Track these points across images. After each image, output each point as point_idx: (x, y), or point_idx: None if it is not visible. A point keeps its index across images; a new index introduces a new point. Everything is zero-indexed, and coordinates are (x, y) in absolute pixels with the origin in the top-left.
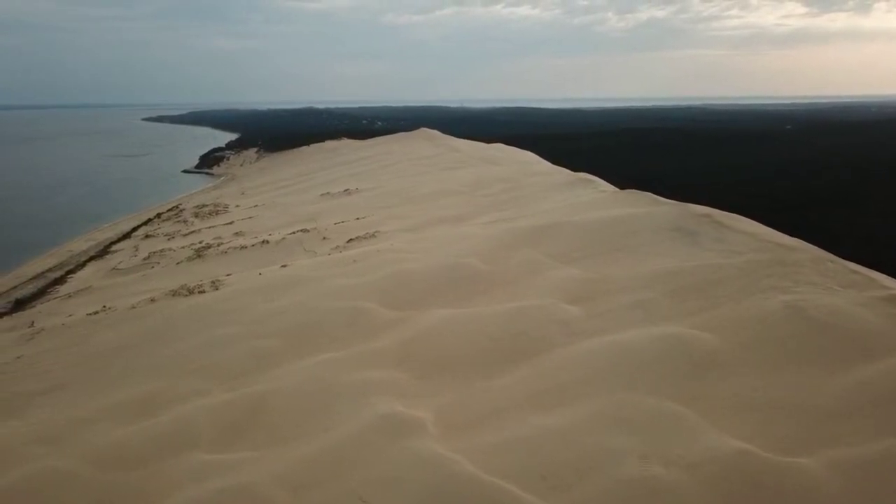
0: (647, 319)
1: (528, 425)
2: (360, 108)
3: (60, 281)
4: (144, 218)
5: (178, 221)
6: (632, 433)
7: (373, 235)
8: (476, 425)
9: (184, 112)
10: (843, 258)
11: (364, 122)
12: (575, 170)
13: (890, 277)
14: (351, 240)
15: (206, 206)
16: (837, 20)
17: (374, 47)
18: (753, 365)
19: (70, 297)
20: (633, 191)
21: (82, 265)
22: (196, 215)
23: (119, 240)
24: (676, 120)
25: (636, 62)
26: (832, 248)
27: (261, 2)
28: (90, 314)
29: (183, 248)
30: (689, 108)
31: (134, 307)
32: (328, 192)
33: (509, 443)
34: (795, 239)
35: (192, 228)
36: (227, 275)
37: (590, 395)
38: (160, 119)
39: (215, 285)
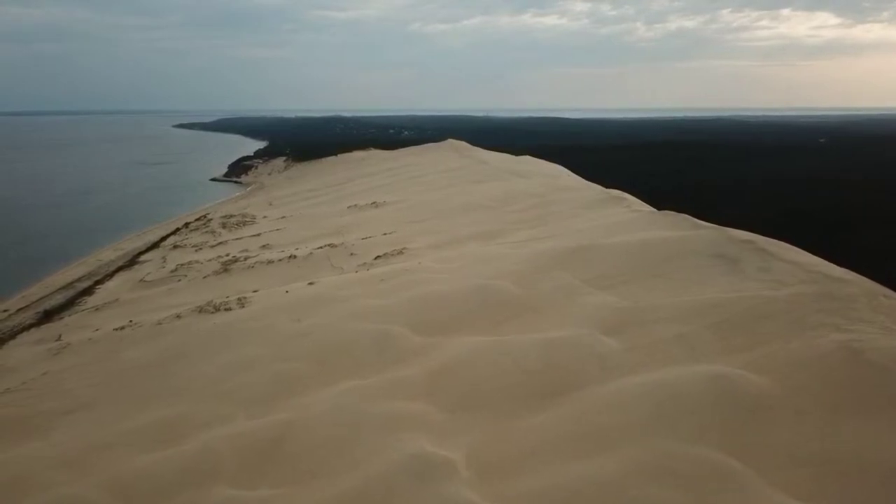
0: (689, 356)
1: (565, 472)
2: (386, 116)
3: (88, 292)
4: (173, 227)
5: (206, 232)
6: (678, 487)
7: (400, 252)
8: (510, 469)
9: (214, 119)
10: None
11: (391, 131)
12: (605, 184)
13: None
14: (378, 256)
15: (234, 216)
16: (872, 31)
17: (401, 56)
18: (808, 413)
19: (97, 309)
20: (670, 212)
21: (110, 276)
22: (224, 226)
23: (147, 250)
24: (706, 132)
25: (664, 72)
26: (877, 272)
27: (290, 11)
28: (116, 329)
29: (210, 260)
30: (718, 119)
31: (160, 323)
32: (356, 205)
33: (547, 491)
34: (845, 269)
35: (220, 240)
36: (254, 291)
37: (631, 441)
38: (191, 126)
39: (241, 302)
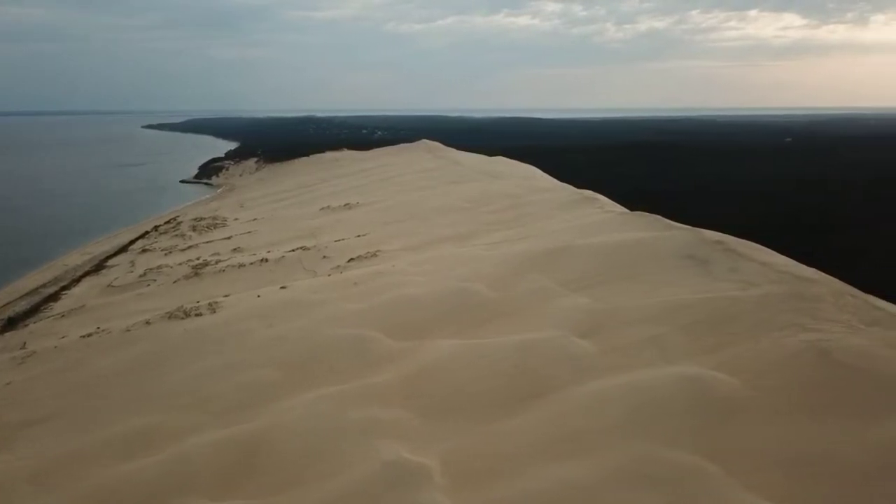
0: (662, 357)
1: (541, 477)
2: (359, 116)
3: (54, 298)
4: (141, 231)
5: (176, 235)
6: (655, 491)
7: (374, 255)
8: (486, 474)
9: (184, 119)
10: (858, 286)
11: (364, 131)
12: (577, 185)
13: None
14: (352, 259)
15: (205, 218)
16: (836, 32)
17: (376, 56)
18: (778, 413)
19: (64, 316)
20: (643, 213)
21: (77, 281)
22: (194, 229)
23: (115, 254)
24: (677, 132)
25: (635, 73)
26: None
27: (265, 11)
28: (84, 336)
29: (180, 264)
30: (688, 120)
31: (129, 330)
32: (328, 206)
33: (522, 497)
34: (813, 269)
35: (190, 243)
36: (225, 296)
37: (608, 445)
38: (160, 127)
39: (212, 308)
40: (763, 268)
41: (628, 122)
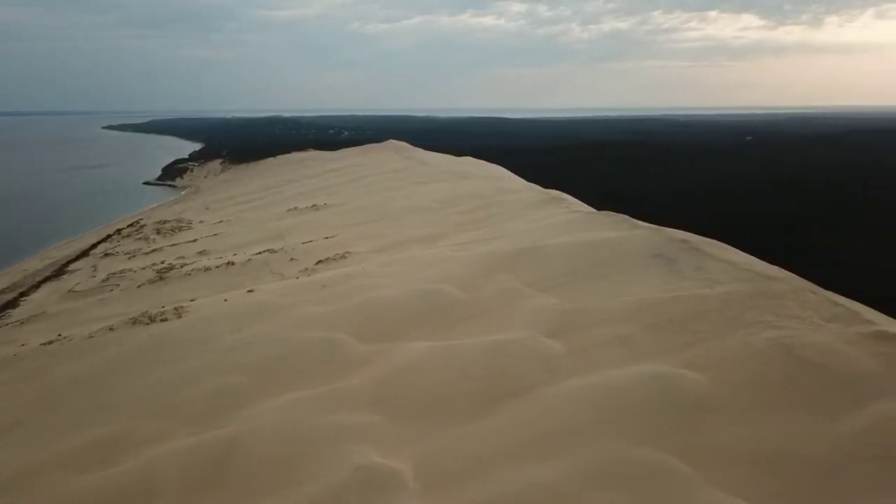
0: (630, 356)
1: (513, 479)
2: (326, 116)
3: (13, 304)
4: (104, 234)
5: (139, 238)
6: (626, 490)
7: (342, 256)
8: (458, 477)
9: (147, 120)
10: (819, 284)
11: (331, 131)
12: (545, 186)
13: (870, 308)
14: (320, 261)
15: (169, 221)
16: (792, 33)
17: (342, 56)
18: (744, 410)
19: (23, 323)
20: (609, 213)
21: (36, 286)
22: (158, 232)
23: (76, 258)
24: (642, 132)
25: (600, 73)
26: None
27: (229, 11)
28: (44, 344)
29: (144, 268)
30: (652, 119)
31: (91, 336)
32: (295, 207)
33: (497, 500)
34: (776, 267)
35: (154, 246)
36: (191, 300)
37: (578, 444)
38: (122, 127)
39: (178, 312)
40: (728, 266)
41: (594, 121)
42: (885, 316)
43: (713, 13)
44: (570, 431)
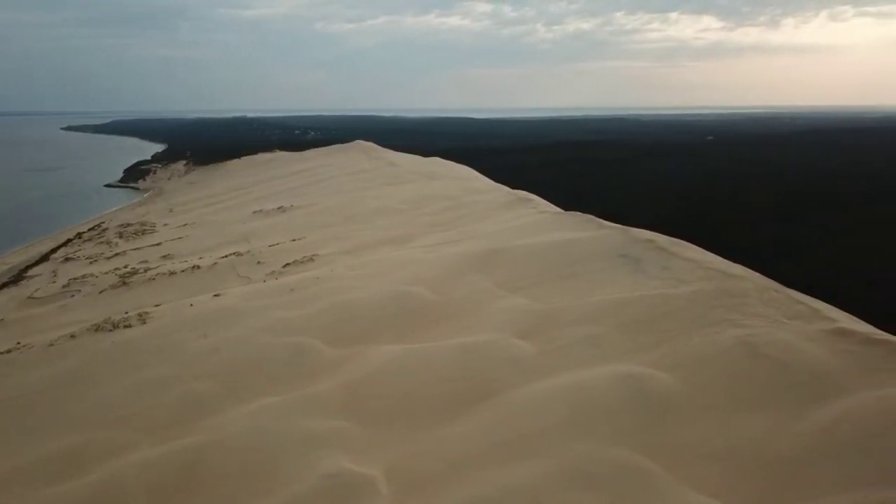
0: (600, 356)
1: (487, 482)
2: (292, 117)
3: None
4: (64, 238)
5: (101, 242)
6: (598, 490)
7: (311, 259)
8: (431, 482)
9: (108, 121)
10: (781, 281)
11: (297, 132)
12: (512, 186)
13: (830, 306)
14: (287, 264)
15: (132, 224)
16: (750, 35)
17: (306, 56)
18: (711, 408)
19: None
20: (576, 213)
21: None
22: (120, 235)
23: (35, 263)
24: (607, 132)
25: (565, 73)
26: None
27: (192, 10)
28: (3, 353)
29: (106, 273)
30: (616, 119)
31: (52, 344)
32: (262, 210)
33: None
34: (739, 266)
35: (117, 251)
36: (156, 305)
37: (551, 445)
38: (82, 128)
39: (142, 318)
40: (692, 265)
41: (559, 121)
42: (843, 312)
43: (674, 14)
44: (543, 432)
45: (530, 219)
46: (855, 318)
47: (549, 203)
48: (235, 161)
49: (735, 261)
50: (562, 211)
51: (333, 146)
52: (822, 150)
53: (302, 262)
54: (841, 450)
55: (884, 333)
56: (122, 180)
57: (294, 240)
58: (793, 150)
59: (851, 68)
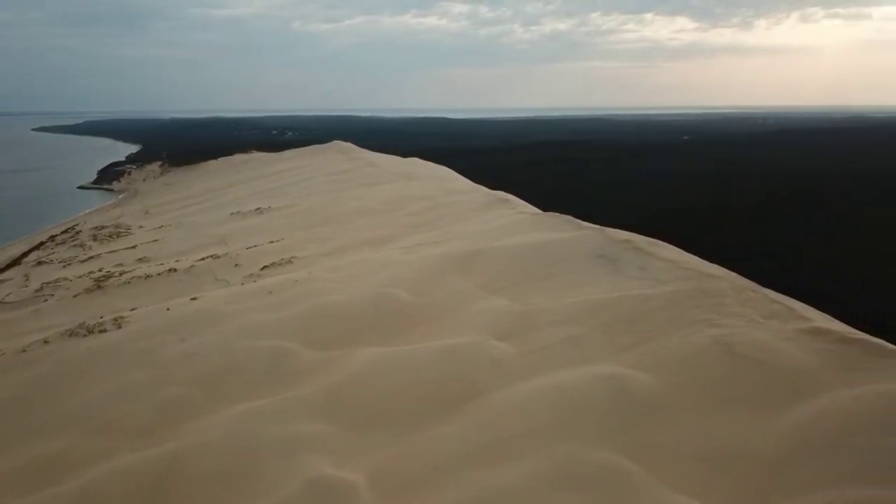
0: (580, 357)
1: (470, 485)
2: (269, 117)
3: None
4: (36, 241)
5: (75, 245)
6: (581, 492)
7: (289, 261)
8: (414, 487)
9: (81, 121)
10: (758, 281)
11: (274, 132)
12: (490, 186)
13: (805, 305)
14: (265, 266)
15: (106, 227)
16: (724, 35)
17: (283, 56)
18: (690, 408)
19: None
20: (555, 214)
21: None
22: (94, 238)
23: (6, 267)
24: (585, 132)
25: (542, 73)
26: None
27: (166, 9)
28: None
29: (80, 277)
30: (593, 119)
31: (25, 350)
32: (239, 211)
33: None
34: (716, 266)
35: (91, 253)
36: (132, 309)
37: (533, 447)
38: (54, 129)
39: (118, 323)
40: (670, 265)
41: (536, 121)
42: (819, 312)
43: (649, 15)
44: (526, 434)
45: (509, 219)
46: (830, 318)
47: (527, 204)
48: (212, 162)
49: (714, 261)
50: (540, 212)
51: (311, 147)
52: (795, 149)
53: (280, 265)
54: (818, 448)
55: (858, 332)
56: (95, 182)
57: (272, 241)
58: (766, 150)
59: (822, 69)
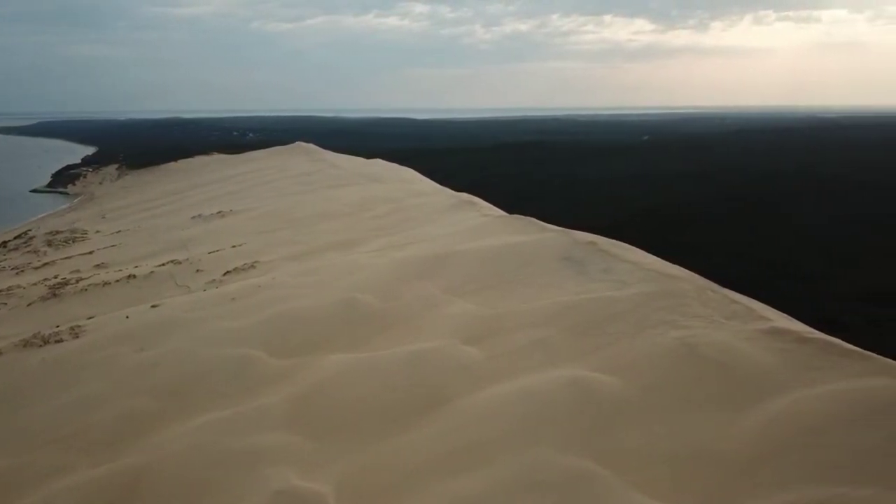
0: (548, 361)
1: (440, 493)
2: (229, 118)
3: None
4: None
5: (28, 251)
6: (548, 498)
7: (252, 266)
8: (383, 496)
9: (33, 122)
10: (717, 281)
11: (235, 133)
12: (454, 188)
13: (764, 305)
14: (228, 272)
15: (62, 232)
16: (681, 37)
17: (244, 55)
18: (656, 410)
19: None
20: (519, 216)
21: None
22: (49, 244)
23: None
24: (548, 131)
25: (504, 73)
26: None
27: (125, 8)
28: None
29: (34, 284)
30: (554, 119)
31: None
32: (200, 215)
33: None
34: (678, 267)
35: (46, 260)
36: (89, 318)
37: (502, 453)
38: (5, 130)
39: (75, 332)
40: (633, 267)
41: (498, 122)
42: (776, 311)
43: (608, 17)
44: (495, 440)
45: (474, 222)
46: (788, 317)
47: (492, 206)
48: (171, 164)
49: (674, 261)
50: (505, 214)
51: (274, 148)
52: (752, 150)
53: (243, 270)
54: (784, 449)
55: (815, 332)
56: (49, 185)
57: (235, 246)
58: (724, 150)
59: (775, 70)
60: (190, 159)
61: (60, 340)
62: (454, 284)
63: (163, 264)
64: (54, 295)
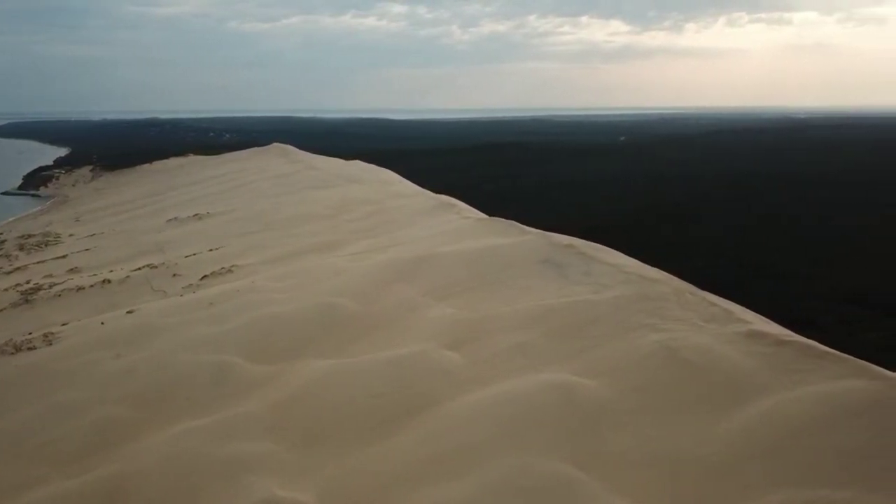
0: (530, 365)
1: (425, 501)
2: (206, 118)
3: None
4: None
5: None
6: (533, 503)
7: (230, 270)
8: None
9: (3, 123)
10: (698, 280)
11: (211, 134)
12: (434, 189)
13: (742, 307)
14: (205, 276)
15: (34, 235)
16: (657, 38)
17: (220, 56)
18: (638, 414)
19: None
20: (499, 219)
21: None
22: (21, 248)
23: None
24: (525, 132)
25: (483, 74)
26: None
27: (99, 6)
28: None
29: (6, 290)
30: (532, 120)
31: None
32: (176, 218)
33: None
34: (657, 269)
35: (17, 264)
36: (63, 324)
37: (485, 459)
38: None
39: (48, 339)
40: (613, 270)
41: (477, 122)
42: (754, 313)
43: (584, 18)
44: (477, 446)
45: (454, 224)
46: (765, 319)
47: (472, 208)
48: (146, 166)
49: (651, 263)
50: (485, 216)
51: (251, 149)
52: (725, 150)
53: (221, 274)
54: (765, 451)
55: (793, 334)
56: (21, 187)
57: (212, 249)
58: (699, 152)
59: (748, 71)
60: (165, 161)
61: (33, 347)
62: (435, 288)
63: (139, 268)
64: (27, 301)
